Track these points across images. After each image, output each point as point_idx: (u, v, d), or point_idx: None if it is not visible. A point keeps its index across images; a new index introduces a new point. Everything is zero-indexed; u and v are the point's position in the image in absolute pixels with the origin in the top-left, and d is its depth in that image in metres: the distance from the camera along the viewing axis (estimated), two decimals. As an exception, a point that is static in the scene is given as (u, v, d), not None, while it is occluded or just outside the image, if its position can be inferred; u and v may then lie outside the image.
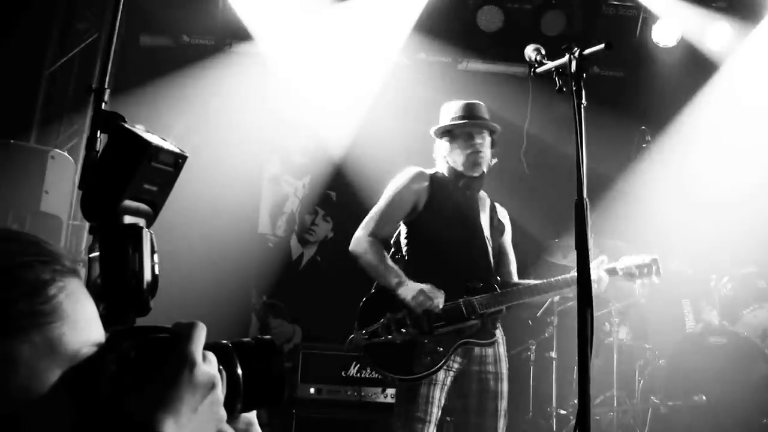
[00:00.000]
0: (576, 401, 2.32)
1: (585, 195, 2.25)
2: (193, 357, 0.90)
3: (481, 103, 3.69)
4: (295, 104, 6.67)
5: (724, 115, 6.24)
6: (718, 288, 5.52)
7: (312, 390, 5.09)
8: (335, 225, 6.87)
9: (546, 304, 5.36)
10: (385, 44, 6.58)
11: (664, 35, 6.51)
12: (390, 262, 3.45)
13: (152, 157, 1.02)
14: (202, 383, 0.89)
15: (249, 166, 6.79)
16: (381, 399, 5.07)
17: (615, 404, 5.25)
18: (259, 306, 6.71)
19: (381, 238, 3.50)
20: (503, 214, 3.82)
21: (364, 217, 3.58)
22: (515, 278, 3.71)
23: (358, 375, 5.13)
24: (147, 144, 1.02)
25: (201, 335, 0.92)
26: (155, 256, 1.03)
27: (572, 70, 2.41)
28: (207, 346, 0.94)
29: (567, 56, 2.45)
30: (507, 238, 3.79)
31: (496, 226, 3.73)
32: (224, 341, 1.00)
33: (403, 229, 3.61)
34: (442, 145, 3.64)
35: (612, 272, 3.56)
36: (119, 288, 0.99)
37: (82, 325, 0.90)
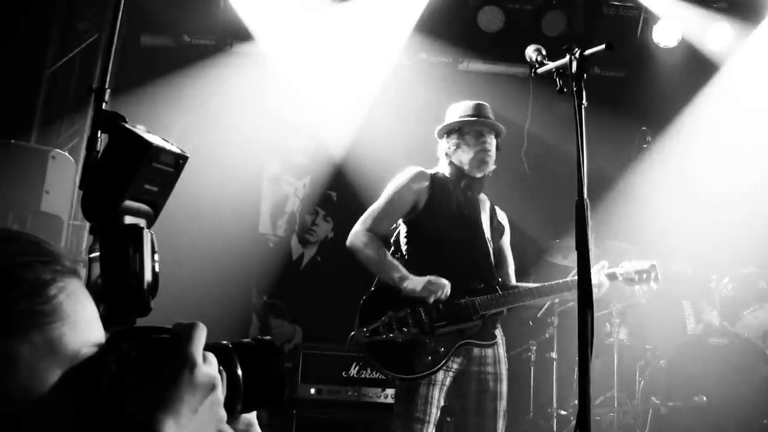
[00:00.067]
0: (576, 402, 2.32)
1: (585, 195, 2.25)
2: (194, 358, 0.90)
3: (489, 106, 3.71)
4: (296, 104, 6.67)
5: (724, 115, 6.24)
6: (719, 288, 5.51)
7: (312, 390, 5.09)
8: (336, 225, 6.87)
9: (546, 305, 5.36)
10: (385, 44, 6.58)
11: (664, 36, 6.51)
12: (390, 257, 3.45)
13: (153, 158, 1.02)
14: (203, 384, 0.89)
15: (249, 166, 6.79)
16: (381, 399, 5.06)
17: (615, 405, 5.25)
18: (260, 306, 6.71)
19: (379, 235, 3.50)
20: (502, 217, 3.82)
21: (365, 217, 3.58)
22: (513, 280, 3.71)
23: (359, 375, 5.13)
24: (148, 144, 1.02)
25: (201, 336, 0.92)
26: (156, 257, 1.03)
27: (573, 71, 2.41)
28: (207, 347, 0.94)
29: (568, 57, 2.45)
30: (506, 240, 3.80)
31: (496, 228, 3.74)
32: (224, 342, 1.00)
33: (402, 228, 3.61)
34: (447, 144, 3.64)
35: (612, 277, 3.59)
36: (120, 288, 0.99)
37: (83, 325, 0.90)
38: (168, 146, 1.04)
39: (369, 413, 5.06)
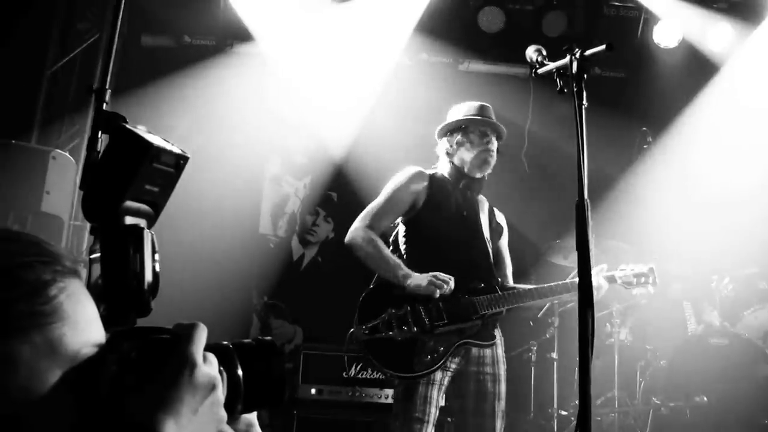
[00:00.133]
0: (577, 402, 2.32)
1: (586, 196, 2.25)
2: (194, 358, 0.90)
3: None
4: (296, 104, 6.67)
5: (725, 115, 6.24)
6: (720, 289, 5.51)
7: (313, 391, 5.09)
8: (336, 225, 6.87)
9: (547, 306, 5.36)
10: (386, 45, 6.58)
11: (665, 36, 6.51)
12: (390, 253, 3.44)
13: (154, 158, 1.02)
14: (203, 384, 0.89)
15: (250, 166, 6.79)
16: (382, 400, 5.06)
17: (616, 405, 5.25)
18: (260, 306, 6.71)
19: (378, 233, 3.49)
20: (501, 218, 3.83)
21: (365, 217, 3.58)
22: (511, 281, 3.72)
23: (360, 376, 5.13)
24: (148, 145, 1.02)
25: (202, 336, 0.92)
26: (156, 257, 1.03)
27: (573, 71, 2.41)
28: (208, 347, 0.94)
29: (568, 57, 2.44)
30: (504, 241, 3.80)
31: (495, 228, 3.74)
32: (225, 342, 0.99)
33: (401, 228, 3.60)
34: (449, 143, 3.64)
35: (611, 280, 3.61)
36: (120, 289, 0.99)
37: (83, 325, 0.90)
38: (169, 147, 1.04)
39: (369, 413, 5.06)
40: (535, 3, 6.65)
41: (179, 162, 1.06)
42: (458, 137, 3.60)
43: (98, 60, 5.95)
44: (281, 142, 6.94)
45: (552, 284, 3.52)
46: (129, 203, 1.02)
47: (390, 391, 5.00)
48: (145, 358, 0.89)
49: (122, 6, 2.36)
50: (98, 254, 1.00)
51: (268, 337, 1.03)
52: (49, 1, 5.98)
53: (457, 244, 3.51)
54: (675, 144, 6.30)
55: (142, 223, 1.04)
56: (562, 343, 5.48)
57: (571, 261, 5.20)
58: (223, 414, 0.93)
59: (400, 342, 3.29)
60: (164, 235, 1.17)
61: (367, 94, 6.61)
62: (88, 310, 0.92)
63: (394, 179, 3.58)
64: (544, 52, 2.67)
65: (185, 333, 0.92)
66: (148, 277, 1.01)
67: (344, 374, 5.14)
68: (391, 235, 3.65)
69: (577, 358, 2.16)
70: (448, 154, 3.65)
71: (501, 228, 3.78)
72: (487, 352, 3.44)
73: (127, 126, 1.04)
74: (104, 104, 2.10)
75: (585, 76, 2.40)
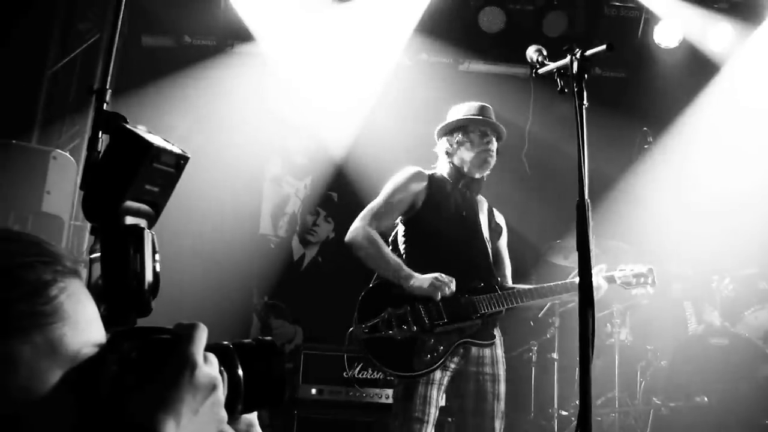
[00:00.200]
0: (577, 402, 2.32)
1: (586, 196, 2.25)
2: (194, 358, 0.90)
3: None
4: (297, 105, 6.67)
5: (725, 116, 6.24)
6: (720, 289, 5.51)
7: (313, 391, 5.09)
8: (337, 226, 6.87)
9: (547, 306, 5.36)
10: (386, 45, 6.58)
11: (665, 36, 6.51)
12: (391, 253, 3.44)
13: (154, 158, 1.02)
14: (203, 384, 0.89)
15: (250, 166, 6.79)
16: (382, 400, 5.06)
17: (616, 405, 5.25)
18: (261, 307, 6.71)
19: (378, 232, 3.49)
20: (500, 218, 3.83)
21: (365, 217, 3.57)
22: (510, 282, 3.72)
23: (360, 376, 5.13)
24: (149, 145, 1.02)
25: (202, 336, 0.92)
26: (157, 257, 1.03)
27: (574, 71, 2.41)
28: (208, 347, 0.94)
29: (569, 57, 2.45)
30: (503, 241, 3.80)
31: (494, 229, 3.74)
32: (225, 342, 0.99)
33: (400, 228, 3.60)
34: (449, 142, 3.63)
35: (610, 280, 3.62)
36: (120, 289, 0.99)
37: (83, 325, 0.90)
38: (169, 147, 1.05)
39: (370, 413, 5.06)
40: (535, 3, 6.64)
41: (179, 162, 1.06)
42: (458, 137, 3.60)
43: (99, 60, 5.95)
44: (282, 142, 6.94)
45: (552, 284, 3.52)
46: (129, 203, 1.02)
47: (390, 391, 4.99)
48: (145, 358, 0.89)
49: (123, 6, 2.36)
50: (98, 254, 1.00)
51: (269, 337, 1.03)
52: (50, 1, 5.98)
53: (456, 243, 3.51)
54: (675, 144, 6.30)
55: (143, 223, 1.04)
56: (563, 343, 5.48)
57: (572, 261, 5.20)
58: (224, 414, 0.93)
59: (399, 341, 3.29)
60: (164, 235, 1.18)
61: (367, 95, 6.61)
62: (89, 310, 0.92)
63: (393, 179, 3.58)
64: (545, 52, 2.67)
65: (186, 333, 0.92)
66: (149, 277, 1.01)
67: (345, 374, 5.13)
68: (390, 235, 3.65)
69: (578, 358, 2.16)
70: (447, 153, 3.64)
71: (500, 228, 3.78)
72: (487, 352, 3.44)
73: (128, 126, 1.04)
74: (105, 104, 2.10)
75: (585, 76, 2.40)
